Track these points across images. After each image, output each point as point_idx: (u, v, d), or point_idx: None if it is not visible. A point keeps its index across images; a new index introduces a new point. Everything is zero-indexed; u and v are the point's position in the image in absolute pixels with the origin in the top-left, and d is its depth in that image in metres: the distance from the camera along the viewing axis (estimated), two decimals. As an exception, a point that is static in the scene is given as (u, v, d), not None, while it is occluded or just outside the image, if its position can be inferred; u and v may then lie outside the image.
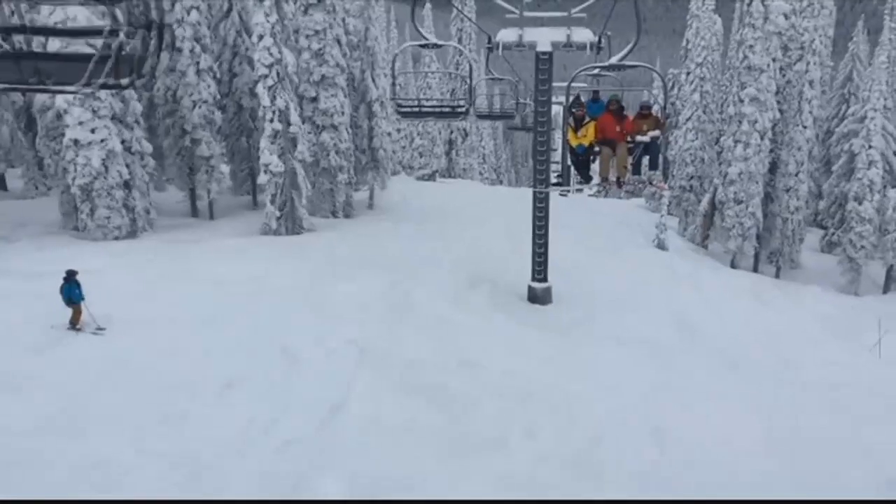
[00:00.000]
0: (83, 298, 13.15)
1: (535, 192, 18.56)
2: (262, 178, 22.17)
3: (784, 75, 29.52)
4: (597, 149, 13.58)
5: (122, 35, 3.40)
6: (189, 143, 24.51)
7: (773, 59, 27.69)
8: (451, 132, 51.00)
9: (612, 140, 13.18)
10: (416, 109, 19.47)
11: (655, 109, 14.04)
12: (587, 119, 13.36)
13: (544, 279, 19.11)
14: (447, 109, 19.58)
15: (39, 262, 17.88)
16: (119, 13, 3.38)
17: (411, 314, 16.62)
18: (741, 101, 27.88)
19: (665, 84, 14.76)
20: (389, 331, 15.17)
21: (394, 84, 16.04)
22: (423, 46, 16.97)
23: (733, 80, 29.58)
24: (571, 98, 14.04)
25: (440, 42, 18.27)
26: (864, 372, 16.50)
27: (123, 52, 3.44)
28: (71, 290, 13.03)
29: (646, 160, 13.76)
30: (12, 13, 3.67)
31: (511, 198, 37.71)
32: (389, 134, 30.06)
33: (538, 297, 18.97)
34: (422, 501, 8.82)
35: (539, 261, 18.91)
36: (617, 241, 28.70)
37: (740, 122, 27.87)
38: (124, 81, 3.54)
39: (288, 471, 9.37)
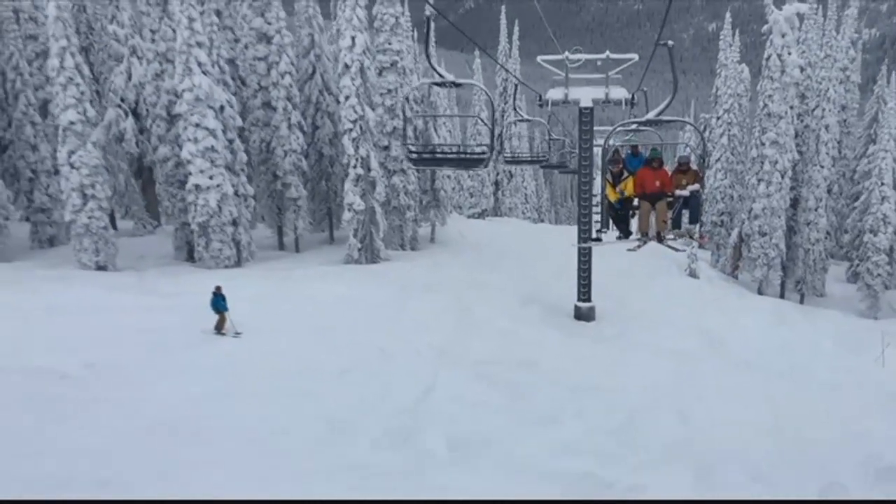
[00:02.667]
0: (227, 308, 16.51)
1: (579, 248, 21.67)
2: (346, 216, 25.59)
3: (802, 120, 32.08)
4: (636, 203, 13.40)
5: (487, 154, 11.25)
6: (280, 187, 28.23)
7: (791, 107, 30.30)
8: (498, 174, 54.33)
9: (651, 195, 12.98)
10: (511, 158, 26.92)
11: (694, 163, 13.66)
12: (625, 174, 13.30)
13: (588, 299, 21.94)
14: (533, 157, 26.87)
15: (170, 285, 21.44)
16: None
17: (475, 326, 19.60)
18: (763, 144, 30.50)
19: (704, 139, 14.28)
20: (459, 337, 18.18)
21: (501, 142, 20.39)
22: (520, 120, 22.24)
23: (756, 125, 32.23)
24: (610, 153, 14.15)
25: (531, 118, 23.55)
26: (866, 376, 18.78)
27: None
28: (217, 301, 16.39)
29: (686, 214, 13.43)
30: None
31: (554, 233, 40.75)
32: (448, 177, 33.46)
33: (583, 315, 21.78)
34: (422, 501, 9.72)
35: (584, 284, 21.77)
36: (652, 270, 31.29)
37: (762, 162, 30.46)
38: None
39: (401, 428, 12.33)
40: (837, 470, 12.74)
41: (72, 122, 22.34)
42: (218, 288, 16.50)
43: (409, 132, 27.31)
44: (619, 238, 14.27)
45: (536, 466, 11.55)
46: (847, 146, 42.79)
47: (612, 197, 13.43)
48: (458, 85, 9.20)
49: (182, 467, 9.68)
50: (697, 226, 13.23)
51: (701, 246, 36.23)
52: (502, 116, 19.17)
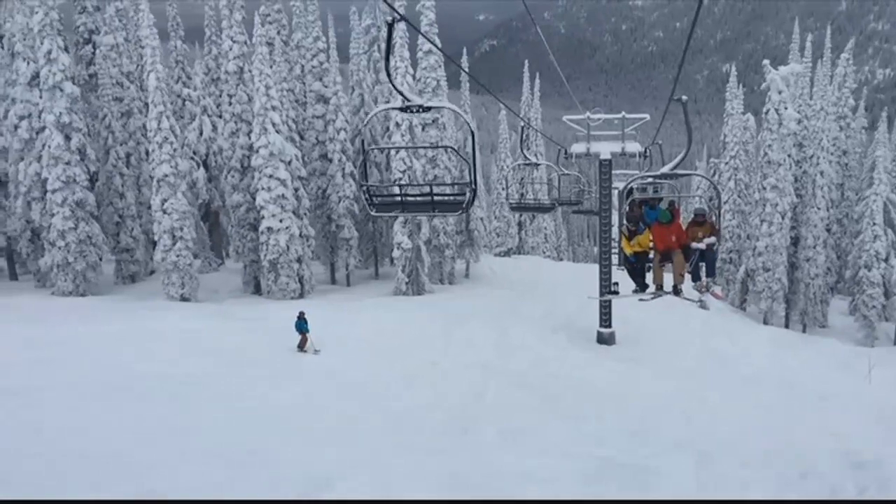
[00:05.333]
0: (308, 330, 19.62)
1: (601, 278, 24.36)
2: (395, 253, 28.76)
3: (800, 167, 34.95)
4: (651, 256, 13.27)
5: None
6: (334, 228, 31.58)
7: (789, 155, 33.21)
8: (521, 215, 57.41)
9: (667, 248, 12.80)
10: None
11: (710, 216, 13.44)
12: (641, 227, 13.23)
13: (609, 325, 24.73)
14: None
15: (249, 312, 24.62)
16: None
17: (511, 347, 22.43)
18: (764, 188, 33.35)
19: (719, 192, 14.17)
20: (499, 356, 21.03)
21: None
22: (563, 174, 25.67)
23: (759, 170, 35.15)
24: (626, 202, 13.90)
25: (570, 172, 27.10)
26: (853, 391, 21.22)
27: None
28: (301, 324, 19.51)
29: (703, 267, 13.30)
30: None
31: (574, 270, 43.64)
32: (482, 219, 36.70)
33: (605, 339, 24.52)
34: (428, 501, 10.45)
35: (605, 311, 24.59)
36: (667, 302, 33.76)
37: (764, 205, 33.27)
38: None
39: (460, 423, 15.14)
40: (817, 461, 15.09)
41: (165, 175, 25.91)
42: (301, 313, 19.64)
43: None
44: (634, 291, 14.38)
45: (567, 450, 14.28)
46: (850, 188, 45.36)
47: (628, 250, 13.60)
48: (537, 165, 13.76)
49: (304, 441, 12.69)
50: (713, 279, 13.25)
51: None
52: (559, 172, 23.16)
